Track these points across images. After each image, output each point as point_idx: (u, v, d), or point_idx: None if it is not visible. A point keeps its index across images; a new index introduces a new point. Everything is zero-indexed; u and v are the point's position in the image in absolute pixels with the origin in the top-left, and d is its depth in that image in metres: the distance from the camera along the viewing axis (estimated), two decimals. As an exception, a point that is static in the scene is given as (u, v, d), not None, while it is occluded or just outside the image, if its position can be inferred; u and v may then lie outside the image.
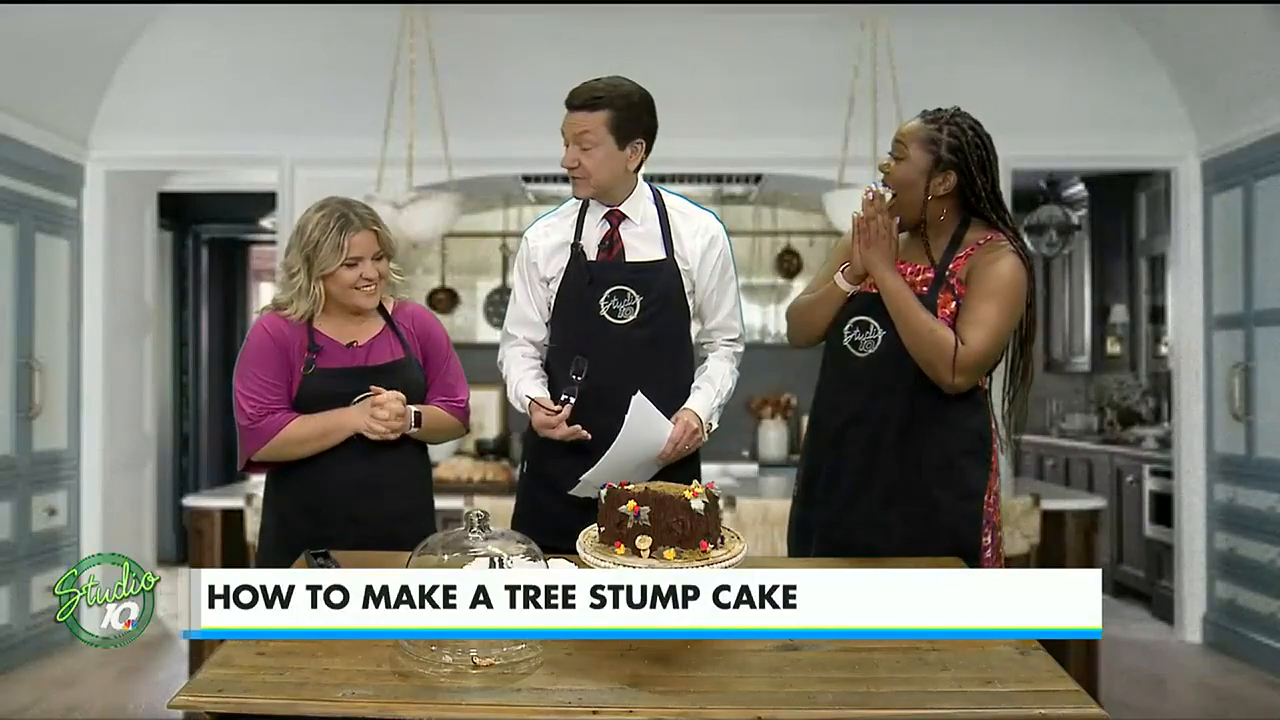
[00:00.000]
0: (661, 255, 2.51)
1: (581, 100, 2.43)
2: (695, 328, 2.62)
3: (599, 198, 2.51)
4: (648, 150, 2.51)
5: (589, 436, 2.44)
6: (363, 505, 2.44)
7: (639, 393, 2.37)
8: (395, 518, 2.46)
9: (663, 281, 2.50)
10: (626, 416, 2.34)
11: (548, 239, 2.57)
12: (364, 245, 2.41)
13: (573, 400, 2.44)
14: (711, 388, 2.55)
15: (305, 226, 2.42)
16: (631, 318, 2.49)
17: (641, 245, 2.52)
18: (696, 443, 2.49)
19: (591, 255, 2.52)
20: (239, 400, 2.42)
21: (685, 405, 2.50)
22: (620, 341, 2.48)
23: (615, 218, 2.53)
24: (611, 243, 2.52)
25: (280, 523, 2.48)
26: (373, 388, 2.42)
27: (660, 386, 2.49)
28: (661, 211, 2.54)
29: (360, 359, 2.47)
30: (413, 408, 2.47)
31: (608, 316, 2.49)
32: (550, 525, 2.34)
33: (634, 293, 2.48)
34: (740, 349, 2.67)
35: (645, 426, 2.38)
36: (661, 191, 2.59)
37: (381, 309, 2.55)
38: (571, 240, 2.53)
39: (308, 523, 2.42)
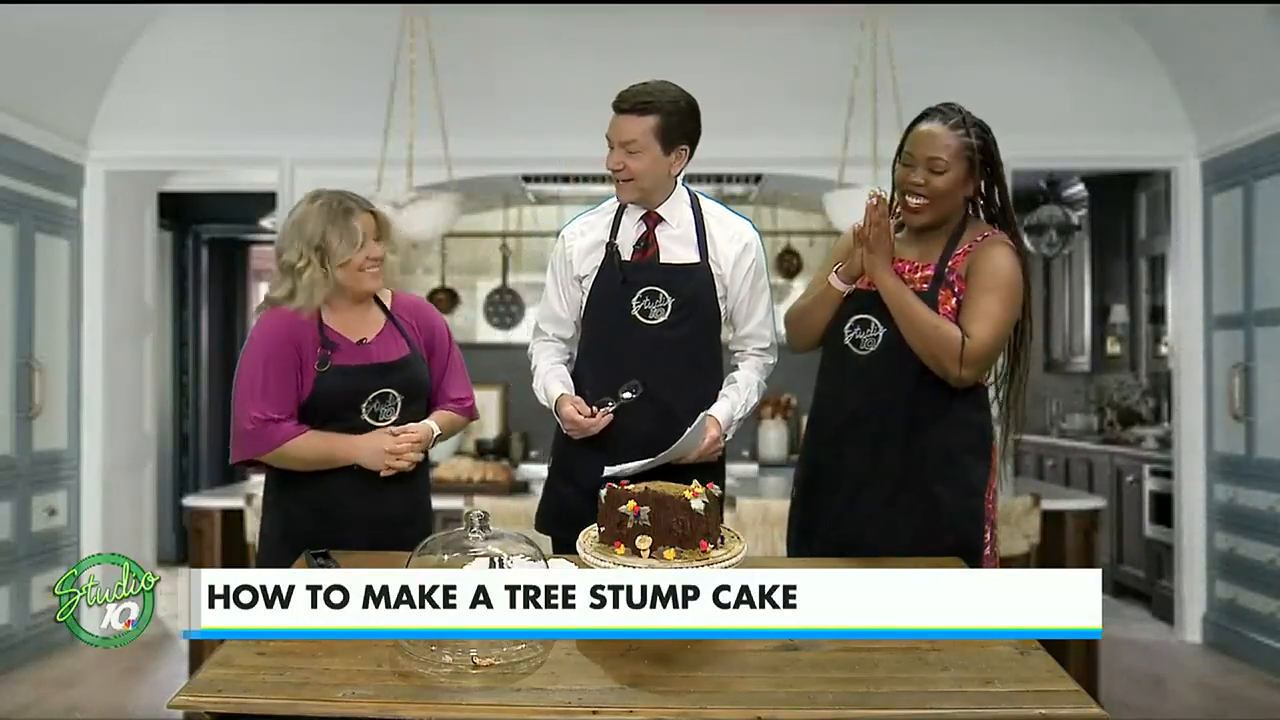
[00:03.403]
0: (696, 259, 2.52)
1: (630, 104, 2.43)
2: (727, 334, 2.62)
3: (640, 201, 2.52)
4: (690, 156, 2.52)
5: (610, 417, 2.46)
6: (371, 507, 2.43)
7: (703, 414, 2.42)
8: (400, 520, 2.46)
9: (695, 285, 2.51)
10: (688, 430, 2.38)
11: (584, 238, 2.58)
12: (367, 226, 2.43)
13: (610, 410, 2.45)
14: (737, 397, 2.55)
15: (304, 221, 2.40)
16: (662, 319, 2.49)
17: (676, 248, 2.53)
18: (716, 451, 2.49)
19: (626, 255, 2.53)
20: (243, 398, 2.38)
21: (709, 412, 2.48)
22: (650, 342, 2.49)
23: (652, 220, 2.54)
24: (647, 244, 2.53)
25: (287, 524, 2.46)
26: (392, 429, 2.43)
27: (688, 389, 2.50)
28: (698, 216, 2.55)
29: (372, 356, 2.46)
30: (434, 427, 2.49)
31: (639, 317, 2.50)
32: (572, 521, 2.34)
33: (665, 294, 2.49)
34: (771, 360, 2.66)
35: (695, 437, 2.41)
36: (700, 196, 2.60)
37: (379, 301, 2.54)
38: (607, 239, 2.54)
39: (315, 524, 2.40)
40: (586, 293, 2.57)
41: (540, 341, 2.67)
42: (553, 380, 2.57)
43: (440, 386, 2.59)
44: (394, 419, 2.46)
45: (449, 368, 2.61)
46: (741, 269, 2.55)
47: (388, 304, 2.56)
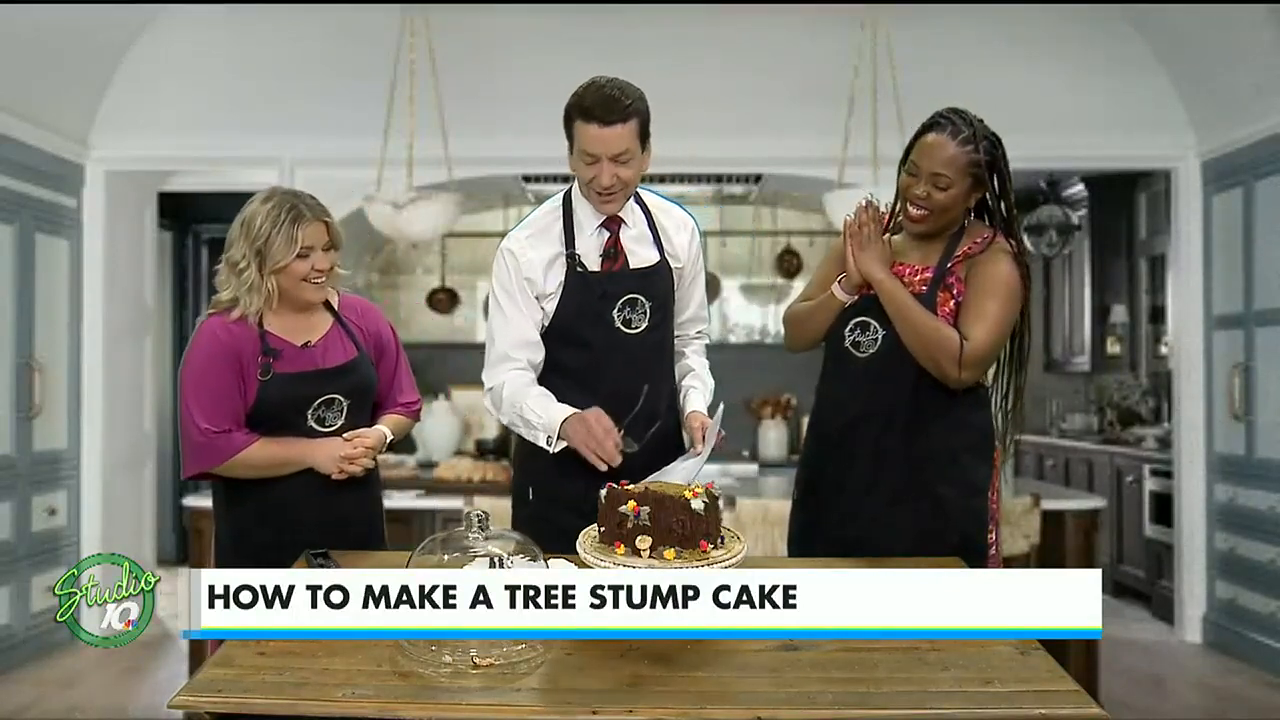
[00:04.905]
0: (657, 257, 2.46)
1: (617, 114, 2.26)
2: None
3: (619, 210, 2.42)
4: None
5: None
6: (322, 510, 2.40)
7: (720, 411, 2.36)
8: (352, 520, 2.45)
9: (664, 285, 2.46)
10: (712, 430, 2.34)
11: (538, 252, 2.40)
12: (315, 236, 2.34)
13: (634, 449, 2.30)
14: (704, 388, 2.53)
15: (252, 219, 2.33)
16: (644, 326, 2.42)
17: (640, 249, 2.45)
18: (721, 444, 2.44)
19: (594, 265, 2.41)
20: (191, 412, 2.32)
21: (695, 409, 2.46)
22: (635, 351, 2.42)
23: (615, 224, 2.43)
24: (616, 251, 2.43)
25: (239, 531, 2.43)
26: (346, 435, 2.40)
27: (666, 389, 2.48)
28: (646, 211, 2.49)
29: (317, 361, 2.40)
30: (387, 432, 2.46)
31: (622, 327, 2.40)
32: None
33: (643, 299, 2.41)
34: (707, 340, 2.67)
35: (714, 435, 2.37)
36: (639, 190, 2.49)
37: (326, 303, 2.48)
38: (563, 251, 2.41)
39: (267, 529, 2.38)
40: (551, 311, 2.42)
41: (511, 371, 2.40)
42: (551, 402, 2.34)
43: (389, 391, 2.55)
44: (340, 424, 2.42)
45: (398, 371, 2.56)
46: (692, 256, 2.52)
47: (334, 305, 2.50)
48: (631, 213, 2.46)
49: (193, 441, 2.34)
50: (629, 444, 2.28)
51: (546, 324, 2.44)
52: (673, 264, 2.48)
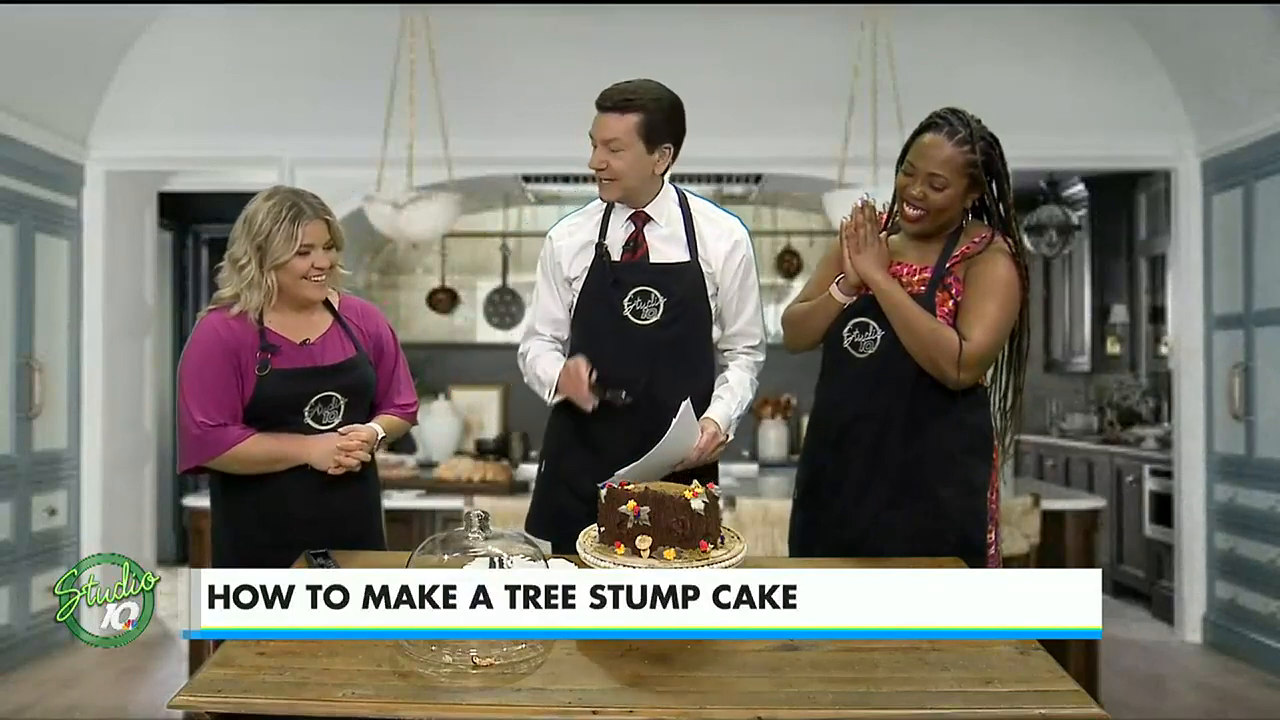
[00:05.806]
0: (686, 257, 2.52)
1: (613, 102, 2.42)
2: (716, 332, 2.62)
3: (624, 200, 2.52)
4: (675, 155, 2.51)
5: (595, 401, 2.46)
6: (319, 508, 2.41)
7: (688, 399, 2.37)
8: (349, 518, 2.45)
9: (686, 284, 2.51)
10: (674, 420, 2.33)
11: (572, 238, 2.57)
12: (316, 234, 2.36)
13: (606, 398, 2.45)
14: (732, 398, 2.55)
15: (254, 216, 2.36)
16: (654, 319, 2.49)
17: (665, 247, 2.53)
18: (719, 451, 2.50)
19: (616, 256, 2.53)
20: (188, 406, 2.33)
21: (707, 414, 2.49)
22: (643, 343, 2.49)
23: (640, 219, 2.53)
24: (636, 244, 2.52)
25: (236, 528, 2.43)
26: (341, 430, 2.41)
27: (681, 388, 2.48)
28: (686, 214, 2.55)
29: (315, 358, 2.42)
30: (379, 430, 2.47)
31: (631, 317, 2.50)
32: (569, 526, 2.30)
33: (657, 294, 2.49)
34: (761, 357, 2.66)
35: (686, 432, 2.37)
36: (687, 194, 2.59)
37: (327, 302, 2.50)
38: (596, 240, 2.54)
39: (264, 527, 2.39)
40: (576, 294, 2.56)
41: (536, 341, 2.64)
42: (554, 361, 2.56)
43: (386, 392, 2.57)
44: (337, 422, 2.43)
45: (396, 373, 2.58)
46: (731, 266, 2.55)
47: (335, 305, 2.51)
48: (666, 212, 2.54)
49: (189, 435, 2.35)
50: (617, 396, 2.44)
51: (574, 306, 2.58)
52: (704, 268, 2.53)
